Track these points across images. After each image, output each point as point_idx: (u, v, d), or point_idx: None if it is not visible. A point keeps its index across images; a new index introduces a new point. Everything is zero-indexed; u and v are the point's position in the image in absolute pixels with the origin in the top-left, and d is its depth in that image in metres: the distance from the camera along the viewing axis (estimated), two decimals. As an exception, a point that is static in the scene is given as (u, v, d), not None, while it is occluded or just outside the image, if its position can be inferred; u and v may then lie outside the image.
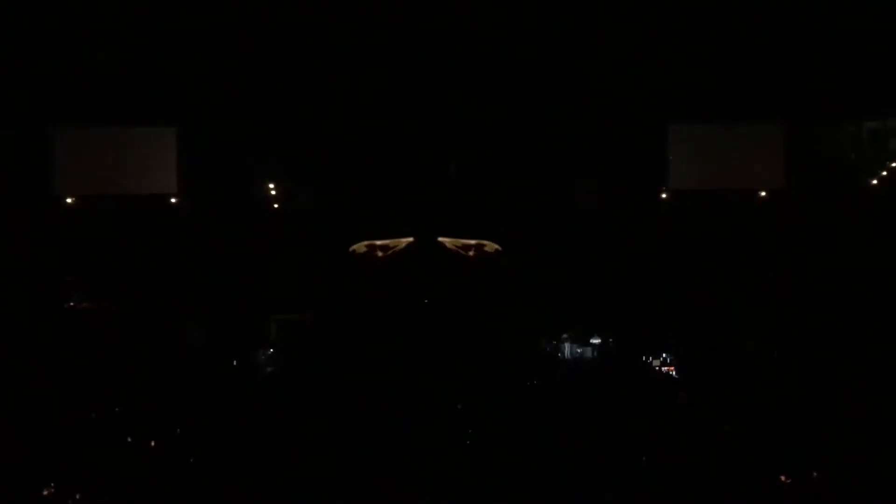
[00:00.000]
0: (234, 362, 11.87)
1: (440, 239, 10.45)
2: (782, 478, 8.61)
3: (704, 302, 11.85)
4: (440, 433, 9.63)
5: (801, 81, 11.35)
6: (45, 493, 7.85)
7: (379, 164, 12.01)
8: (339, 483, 8.25)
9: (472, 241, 10.36)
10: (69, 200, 11.86)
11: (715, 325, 11.74)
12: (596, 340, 12.14)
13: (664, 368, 11.79)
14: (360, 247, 10.46)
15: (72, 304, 12.06)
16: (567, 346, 12.15)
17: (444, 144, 11.83)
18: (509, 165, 11.98)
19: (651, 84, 11.36)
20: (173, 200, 11.97)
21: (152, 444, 9.19)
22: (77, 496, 7.89)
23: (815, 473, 8.62)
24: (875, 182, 12.03)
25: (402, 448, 9.11)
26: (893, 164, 12.02)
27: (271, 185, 12.45)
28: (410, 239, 10.56)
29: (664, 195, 11.93)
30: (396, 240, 10.55)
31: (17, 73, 11.09)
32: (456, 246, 10.46)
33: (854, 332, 11.17)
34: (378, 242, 10.43)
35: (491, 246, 10.35)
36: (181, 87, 11.42)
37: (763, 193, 11.82)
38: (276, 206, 12.48)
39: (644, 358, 11.86)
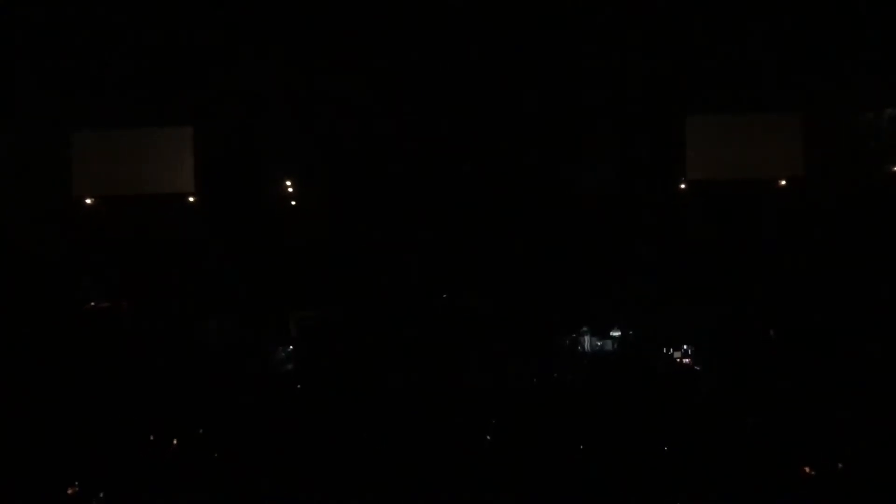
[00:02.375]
0: (253, 360, 11.88)
1: None
2: (806, 469, 8.56)
3: (724, 292, 11.78)
4: (462, 429, 9.62)
5: (819, 70, 11.25)
6: (70, 491, 7.90)
7: (396, 161, 12.00)
8: (360, 478, 8.25)
9: None
10: (88, 201, 11.92)
11: (735, 315, 11.66)
12: (616, 333, 12.08)
13: (685, 360, 11.72)
14: None
15: (91, 303, 12.11)
16: (587, 339, 12.10)
17: (461, 139, 11.80)
18: (528, 158, 11.94)
19: (668, 75, 11.29)
20: (191, 199, 12.00)
21: (174, 441, 9.24)
22: (101, 494, 7.93)
23: (839, 465, 8.57)
24: (895, 170, 11.91)
25: (424, 444, 9.11)
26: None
27: (288, 184, 12.46)
28: None
29: (682, 186, 11.86)
30: None
31: (37, 76, 11.15)
32: None
33: (876, 320, 11.07)
34: None
35: None
36: (198, 87, 11.44)
37: (782, 183, 11.73)
38: (293, 203, 12.49)
39: (665, 350, 11.79)
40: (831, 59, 11.14)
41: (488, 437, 9.61)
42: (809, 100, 11.49)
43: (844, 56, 11.09)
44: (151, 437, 9.15)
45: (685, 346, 11.71)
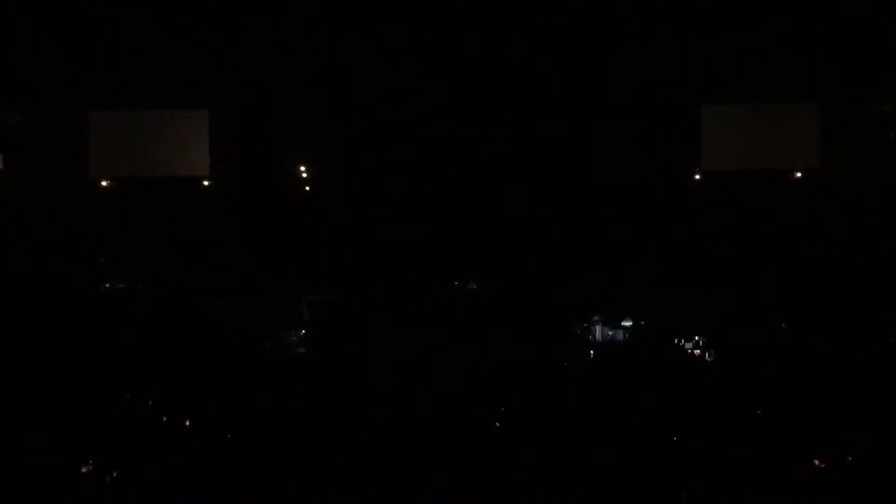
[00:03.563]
0: (265, 343, 11.96)
1: None
2: (816, 462, 8.55)
3: (737, 284, 11.75)
4: (472, 415, 9.65)
5: (836, 61, 11.18)
6: (84, 469, 7.98)
7: (410, 146, 12.02)
8: (370, 462, 8.31)
9: None
10: (104, 183, 12.01)
11: (747, 306, 11.64)
12: (628, 323, 12.06)
13: (696, 351, 11.70)
14: None
15: (107, 285, 12.21)
16: (598, 328, 12.09)
17: (477, 125, 11.80)
18: (544, 147, 11.94)
19: (684, 65, 11.25)
20: (206, 183, 12.07)
21: (187, 423, 9.31)
22: (114, 473, 8.01)
23: (849, 458, 8.54)
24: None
25: (434, 429, 9.15)
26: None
27: (303, 168, 12.51)
28: None
29: (697, 176, 11.83)
30: None
31: (54, 57, 11.22)
32: None
33: (891, 313, 11.02)
34: None
35: None
36: (214, 71, 11.49)
37: (797, 174, 11.68)
38: (306, 188, 12.54)
39: (676, 340, 11.78)
40: (849, 50, 11.06)
41: (498, 425, 9.63)
42: (826, 90, 11.42)
43: (862, 46, 11.01)
44: (164, 418, 9.23)
45: (697, 337, 11.70)
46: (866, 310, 11.17)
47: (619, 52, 11.23)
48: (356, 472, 8.05)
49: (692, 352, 11.69)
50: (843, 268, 11.46)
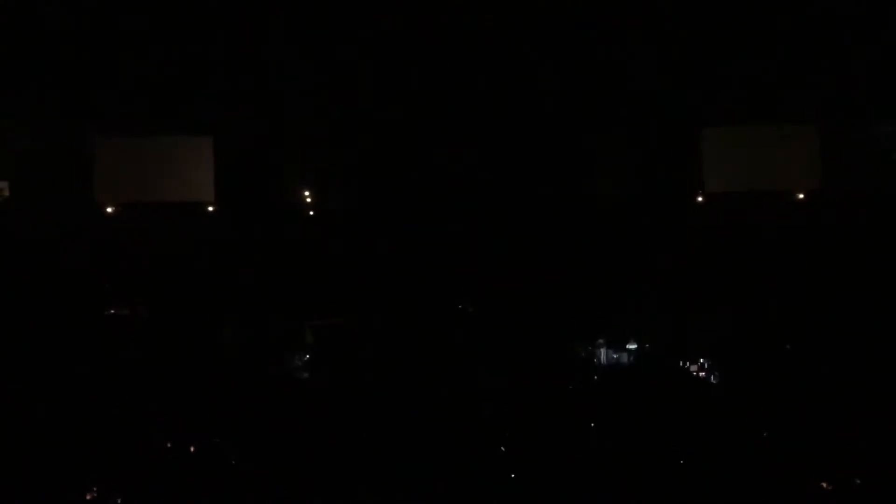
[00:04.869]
0: (269, 367, 11.95)
1: None
2: (823, 484, 8.50)
3: (741, 306, 11.72)
4: (476, 439, 9.63)
5: (837, 81, 11.21)
6: (88, 496, 7.98)
7: (413, 170, 12.06)
8: (373, 484, 8.28)
9: None
10: (109, 209, 12.06)
11: (752, 329, 11.61)
12: (632, 345, 12.04)
13: (701, 373, 11.66)
14: None
15: (112, 310, 12.23)
16: (603, 351, 12.06)
17: (478, 149, 11.84)
18: (544, 169, 11.97)
19: (684, 85, 11.29)
20: (210, 209, 12.12)
21: (191, 448, 9.30)
22: (119, 500, 8.01)
23: (857, 481, 8.50)
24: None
25: (438, 452, 9.13)
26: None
27: (307, 193, 12.55)
28: None
29: (699, 198, 11.84)
30: None
31: (59, 83, 11.31)
32: None
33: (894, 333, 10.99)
34: None
35: None
36: (218, 97, 11.56)
37: (800, 196, 11.68)
38: (311, 213, 12.58)
39: (681, 363, 11.74)
40: (850, 70, 11.10)
41: (503, 448, 9.61)
42: (827, 111, 11.45)
43: (863, 66, 11.05)
44: (168, 444, 9.23)
45: (702, 360, 11.66)
46: (870, 331, 11.13)
47: (618, 73, 11.28)
48: (357, 497, 8.03)
49: (697, 374, 11.66)
50: (846, 289, 11.44)
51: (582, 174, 11.96)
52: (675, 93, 11.38)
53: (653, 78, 11.30)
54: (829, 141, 11.53)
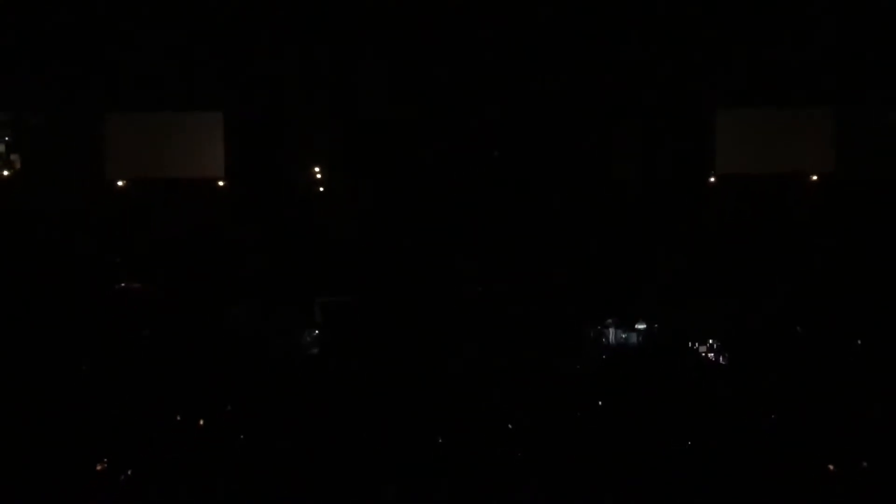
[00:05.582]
0: (278, 343, 11.99)
1: None
2: (831, 467, 8.50)
3: (752, 288, 11.70)
4: (484, 416, 9.65)
5: (852, 64, 11.12)
6: (99, 467, 8.03)
7: (424, 148, 12.03)
8: (382, 461, 8.31)
9: None
10: (120, 183, 12.08)
11: (762, 311, 11.59)
12: (641, 326, 12.03)
13: (710, 355, 11.65)
14: None
15: (122, 285, 12.27)
16: (612, 331, 12.06)
17: (489, 127, 11.80)
18: (557, 150, 11.93)
19: (699, 67, 11.22)
20: (220, 184, 12.13)
21: (200, 422, 9.35)
22: (129, 472, 8.05)
23: (864, 464, 8.49)
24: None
25: (446, 430, 9.15)
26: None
27: (317, 169, 12.54)
28: None
29: (711, 179, 11.79)
30: None
31: (69, 59, 11.29)
32: None
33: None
34: None
35: None
36: (228, 72, 11.54)
37: (813, 178, 11.63)
38: (321, 189, 12.57)
39: (690, 344, 11.73)
40: (865, 52, 11.01)
41: (510, 426, 9.63)
42: (842, 93, 11.36)
43: (879, 49, 10.95)
44: (178, 417, 9.27)
45: (710, 341, 11.65)
46: (883, 314, 11.10)
47: (633, 54, 11.21)
48: (367, 471, 8.07)
49: (706, 355, 11.64)
50: (859, 272, 11.40)
51: (594, 155, 11.92)
52: (689, 74, 11.31)
53: (667, 59, 11.23)
54: (843, 123, 11.45)
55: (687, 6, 10.92)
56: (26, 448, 8.08)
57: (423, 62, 11.37)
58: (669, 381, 10.68)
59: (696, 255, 11.86)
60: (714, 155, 11.62)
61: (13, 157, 11.83)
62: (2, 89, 11.44)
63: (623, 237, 12.01)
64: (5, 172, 11.92)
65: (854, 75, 11.22)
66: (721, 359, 11.54)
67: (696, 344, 11.70)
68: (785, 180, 11.74)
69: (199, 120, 11.98)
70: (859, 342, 11.06)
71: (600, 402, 10.16)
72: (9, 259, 11.61)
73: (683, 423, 9.46)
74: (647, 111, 11.68)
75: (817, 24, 10.97)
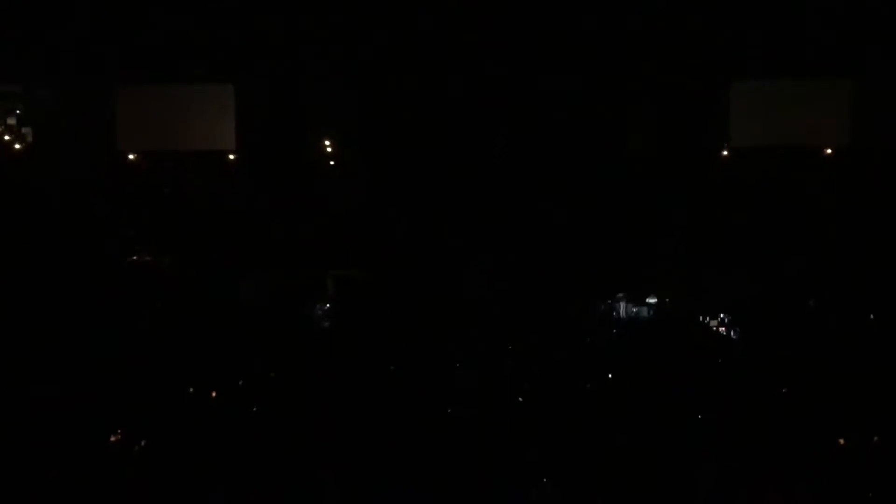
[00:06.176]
0: (290, 316, 12.04)
1: None
2: (840, 441, 8.49)
3: (764, 261, 11.64)
4: (495, 390, 9.68)
5: (869, 36, 10.96)
6: (113, 438, 8.10)
7: (434, 122, 11.98)
8: (391, 436, 8.36)
9: None
10: (131, 156, 12.10)
11: (774, 284, 11.54)
12: (652, 300, 12.00)
13: (721, 328, 11.63)
14: None
15: (134, 257, 12.33)
16: (623, 305, 12.05)
17: (500, 102, 11.72)
18: (570, 123, 11.85)
19: (714, 39, 11.08)
20: (231, 157, 12.13)
21: (213, 394, 9.42)
22: (142, 442, 8.12)
23: (875, 438, 8.48)
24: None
25: (457, 403, 9.18)
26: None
27: (327, 143, 12.51)
28: None
29: (725, 152, 11.69)
30: None
31: (81, 32, 11.25)
32: None
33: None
34: None
35: None
36: (239, 44, 11.48)
37: (828, 151, 11.51)
38: (331, 162, 12.55)
39: (701, 317, 11.71)
40: (882, 24, 10.84)
41: (520, 399, 9.66)
42: (858, 66, 11.21)
43: (894, 21, 10.78)
44: (191, 389, 9.34)
45: (722, 315, 11.62)
46: (893, 288, 11.04)
47: (648, 26, 11.08)
48: (378, 448, 8.11)
49: (717, 329, 11.62)
50: (871, 246, 11.32)
51: (609, 129, 11.84)
52: (703, 47, 11.17)
53: (681, 33, 11.09)
54: (858, 96, 11.31)
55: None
56: (41, 420, 8.16)
57: (437, 36, 11.27)
58: (680, 353, 10.67)
59: (709, 228, 11.80)
60: (728, 128, 11.51)
61: (24, 130, 11.84)
62: (13, 63, 11.42)
63: (636, 211, 11.95)
64: (17, 146, 11.94)
65: (869, 47, 11.06)
66: (732, 333, 11.52)
67: (708, 318, 11.67)
68: (799, 153, 11.63)
69: (211, 92, 11.94)
70: (872, 316, 11.00)
71: (610, 376, 10.18)
72: (21, 232, 11.66)
73: (694, 397, 9.47)
74: (662, 85, 11.56)
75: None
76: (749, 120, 11.39)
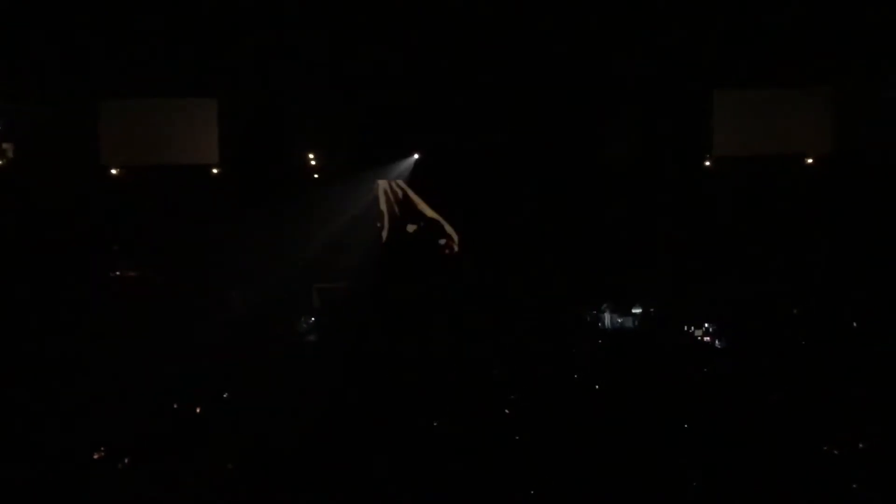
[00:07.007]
0: (275, 330, 12.00)
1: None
2: (826, 448, 8.49)
3: (748, 270, 11.69)
4: (480, 401, 9.66)
5: (849, 44, 11.06)
6: (96, 455, 8.04)
7: (418, 133, 12.01)
8: (379, 448, 8.32)
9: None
10: (114, 171, 12.06)
11: (758, 293, 11.58)
12: (637, 310, 12.01)
13: (706, 338, 11.65)
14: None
15: (118, 272, 12.28)
16: (608, 315, 12.05)
17: (485, 112, 11.76)
18: (552, 132, 11.89)
19: (696, 48, 11.16)
20: (215, 171, 12.12)
21: (197, 410, 9.36)
22: (126, 460, 8.06)
23: (861, 445, 8.50)
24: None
25: (443, 415, 9.16)
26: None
27: (311, 156, 12.51)
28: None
29: (708, 162, 11.75)
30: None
31: (63, 46, 11.24)
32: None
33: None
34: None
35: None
36: (222, 59, 11.50)
37: (809, 160, 11.59)
38: (315, 176, 12.55)
39: (686, 327, 11.73)
40: (862, 32, 10.95)
41: (507, 412, 9.64)
42: (839, 74, 11.32)
43: (876, 29, 10.89)
44: (175, 406, 9.28)
45: (707, 324, 11.65)
46: (880, 296, 11.10)
47: (629, 35, 11.15)
48: (365, 459, 8.07)
49: (702, 339, 11.64)
50: (855, 254, 11.39)
51: (591, 138, 11.89)
52: (686, 55, 11.25)
53: (664, 41, 11.17)
54: (841, 104, 11.41)
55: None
56: (24, 436, 8.09)
57: (418, 49, 11.31)
58: (665, 365, 10.69)
59: (692, 237, 11.85)
60: (711, 136, 11.58)
61: (6, 145, 11.79)
62: (-7, 78, 11.40)
63: (619, 220, 11.98)
64: (-1, 162, 11.90)
65: (851, 56, 11.16)
66: (717, 342, 11.54)
67: (693, 328, 11.70)
68: (782, 162, 11.71)
69: (194, 107, 11.95)
70: (856, 325, 11.05)
71: (597, 387, 10.17)
72: (4, 248, 11.59)
73: (680, 407, 9.47)
74: (644, 93, 11.63)
75: (814, 4, 10.91)
76: (731, 129, 11.48)
